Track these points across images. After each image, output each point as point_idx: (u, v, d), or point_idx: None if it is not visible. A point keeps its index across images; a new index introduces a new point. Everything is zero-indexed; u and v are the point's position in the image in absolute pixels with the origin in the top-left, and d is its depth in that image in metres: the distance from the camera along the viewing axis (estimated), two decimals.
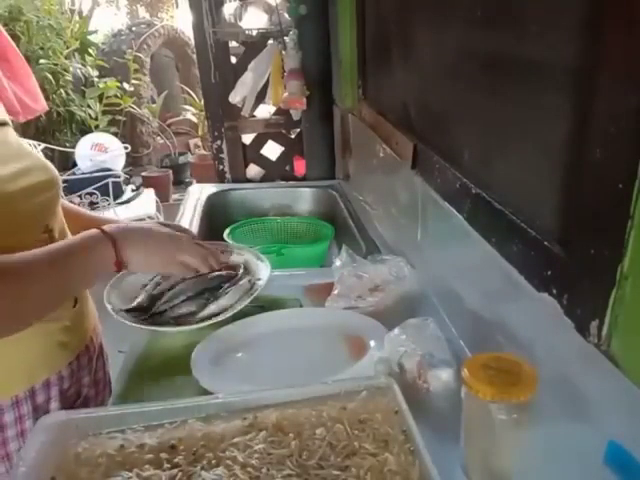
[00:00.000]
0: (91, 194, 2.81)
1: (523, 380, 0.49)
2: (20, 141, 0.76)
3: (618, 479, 0.44)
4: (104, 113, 3.70)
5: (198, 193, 1.55)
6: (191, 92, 4.65)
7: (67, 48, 3.68)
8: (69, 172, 2.94)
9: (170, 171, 4.05)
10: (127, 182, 3.13)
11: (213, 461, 0.49)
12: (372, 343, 0.75)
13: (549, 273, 0.55)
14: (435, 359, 0.66)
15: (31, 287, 0.63)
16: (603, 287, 0.45)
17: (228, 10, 1.78)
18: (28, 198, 0.70)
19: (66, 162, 3.30)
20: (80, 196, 2.78)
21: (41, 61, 3.42)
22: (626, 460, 0.43)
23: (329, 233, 1.32)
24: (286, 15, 1.59)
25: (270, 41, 1.64)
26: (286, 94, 1.52)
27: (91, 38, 4.00)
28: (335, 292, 0.88)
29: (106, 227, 0.70)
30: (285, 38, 1.52)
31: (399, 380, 0.59)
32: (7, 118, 0.77)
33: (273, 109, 1.81)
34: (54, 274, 0.65)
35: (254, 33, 1.74)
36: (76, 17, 4.08)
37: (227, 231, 1.33)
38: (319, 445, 0.51)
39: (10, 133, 0.75)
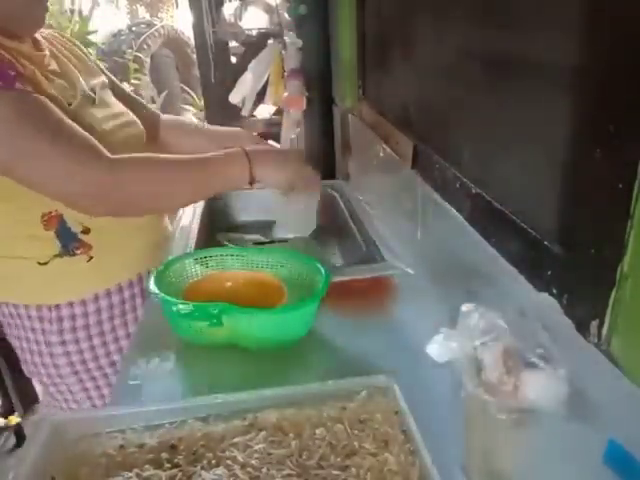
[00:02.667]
0: None
1: None
2: (116, 101, 0.98)
3: (618, 478, 0.44)
4: None
5: None
6: (191, 92, 4.65)
7: None
8: None
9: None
10: None
11: (213, 461, 0.49)
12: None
13: (549, 273, 0.55)
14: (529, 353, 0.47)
15: (181, 181, 0.82)
16: (603, 287, 0.45)
17: (228, 10, 1.78)
18: (124, 147, 0.85)
19: None
20: None
21: None
22: (626, 460, 0.43)
23: (320, 283, 0.79)
24: (286, 15, 1.59)
25: (270, 41, 1.64)
26: (286, 94, 1.52)
27: (91, 38, 4.01)
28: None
29: (247, 148, 0.85)
30: (285, 38, 1.52)
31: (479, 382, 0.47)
32: (107, 80, 1.00)
33: (273, 109, 1.81)
34: (200, 175, 0.83)
35: (254, 33, 1.74)
36: (76, 17, 4.08)
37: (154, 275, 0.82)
38: (319, 445, 0.51)
39: (110, 94, 0.98)
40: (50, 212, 0.85)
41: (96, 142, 0.76)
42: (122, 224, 0.92)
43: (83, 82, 0.91)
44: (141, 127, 1.01)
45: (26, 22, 0.82)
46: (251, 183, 0.84)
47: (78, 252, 0.89)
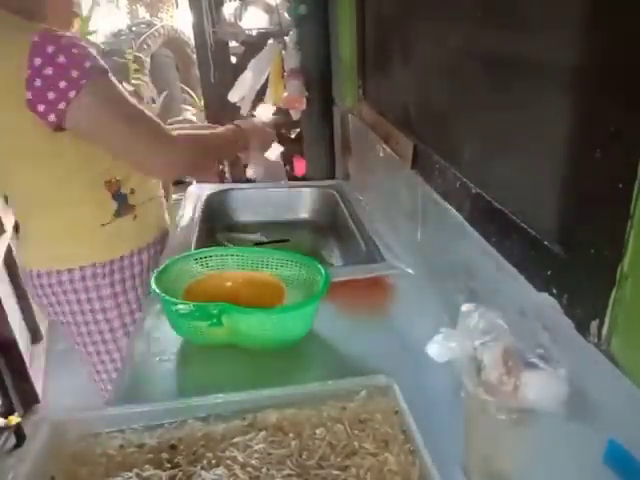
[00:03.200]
0: None
1: None
2: None
3: (618, 478, 0.44)
4: None
5: (198, 193, 1.55)
6: (191, 92, 4.65)
7: None
8: None
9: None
10: None
11: (213, 461, 0.49)
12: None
13: (549, 273, 0.55)
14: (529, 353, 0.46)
15: (208, 150, 1.11)
16: (603, 287, 0.45)
17: (228, 10, 1.78)
18: None
19: None
20: None
21: None
22: (626, 460, 0.43)
23: (320, 282, 0.79)
24: (286, 15, 1.59)
25: (270, 41, 1.64)
26: (286, 94, 1.52)
27: (91, 38, 4.00)
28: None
29: (242, 125, 1.21)
30: (285, 38, 1.52)
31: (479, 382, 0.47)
32: None
33: (273, 109, 1.81)
34: (228, 150, 1.23)
35: (254, 33, 1.74)
36: None
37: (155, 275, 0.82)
38: (319, 445, 0.51)
39: None
40: (111, 179, 1.01)
41: (159, 121, 0.99)
42: (152, 189, 1.14)
43: None
44: None
45: (64, 23, 0.97)
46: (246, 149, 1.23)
47: (127, 212, 1.06)
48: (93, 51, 0.89)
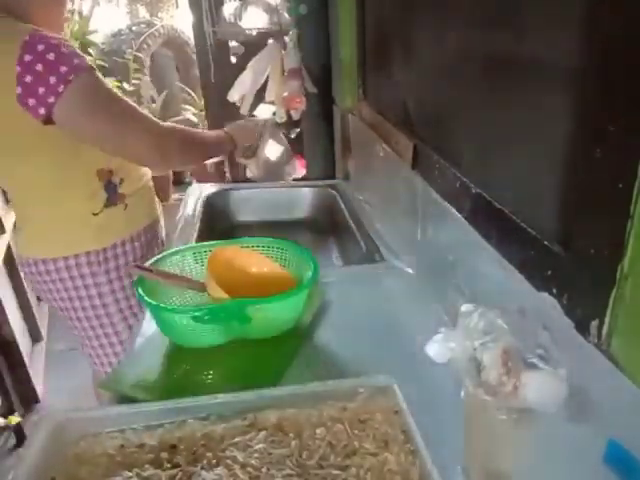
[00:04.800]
0: None
1: None
2: None
3: (618, 478, 0.44)
4: None
5: (198, 193, 1.55)
6: (191, 92, 4.65)
7: None
8: None
9: (170, 171, 4.05)
10: None
11: (213, 461, 0.49)
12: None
13: (549, 273, 0.55)
14: (529, 353, 0.46)
15: (196, 144, 1.11)
16: (603, 287, 0.45)
17: (228, 10, 1.78)
18: None
19: None
20: None
21: None
22: (626, 459, 0.43)
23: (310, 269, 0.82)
24: (286, 15, 1.59)
25: (270, 41, 1.64)
26: (286, 94, 1.51)
27: (91, 38, 4.00)
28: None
29: (227, 129, 1.23)
30: (285, 38, 1.52)
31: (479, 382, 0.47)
32: None
33: (273, 108, 1.81)
34: (214, 150, 1.21)
35: (254, 33, 1.74)
36: (76, 17, 4.08)
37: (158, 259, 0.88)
38: (319, 445, 0.51)
39: None
40: (103, 168, 1.03)
41: (147, 113, 1.00)
42: (141, 179, 1.14)
43: None
44: None
45: (55, 26, 0.99)
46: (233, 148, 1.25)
47: (118, 202, 1.07)
48: (80, 52, 0.93)
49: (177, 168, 1.41)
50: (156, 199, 1.26)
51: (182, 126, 1.09)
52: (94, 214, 1.05)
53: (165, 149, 1.00)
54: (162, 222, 1.27)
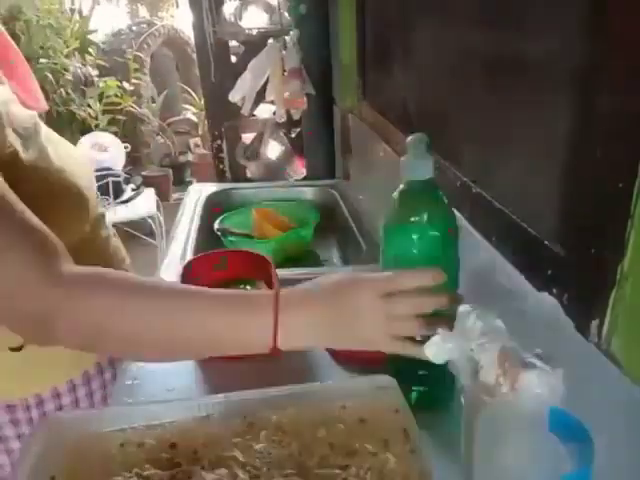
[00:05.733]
0: None
1: None
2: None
3: (562, 440, 0.45)
4: (104, 112, 3.69)
5: (198, 192, 1.54)
6: (191, 92, 4.65)
7: (67, 47, 3.67)
8: None
9: (170, 170, 4.05)
10: (127, 181, 3.13)
11: (213, 460, 0.49)
12: None
13: (549, 272, 0.55)
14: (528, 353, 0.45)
15: (163, 328, 0.52)
16: (603, 287, 0.45)
17: (228, 9, 1.78)
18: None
19: None
20: None
21: (41, 60, 3.42)
22: (567, 422, 0.44)
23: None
24: (286, 14, 1.59)
25: (270, 40, 1.64)
26: (286, 94, 1.52)
27: (91, 37, 4.00)
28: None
29: (283, 292, 0.53)
30: (285, 37, 1.52)
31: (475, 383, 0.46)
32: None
33: (273, 108, 1.81)
34: (198, 328, 0.52)
35: (254, 32, 1.74)
36: (76, 16, 4.07)
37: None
38: (319, 445, 0.51)
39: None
40: None
41: (53, 241, 0.55)
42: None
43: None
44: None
45: None
46: (273, 352, 0.53)
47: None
48: None
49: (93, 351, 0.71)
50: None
51: (138, 279, 0.54)
52: (12, 349, 0.71)
53: (57, 314, 0.51)
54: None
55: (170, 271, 1.04)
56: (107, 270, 0.55)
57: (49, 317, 0.51)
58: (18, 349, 0.70)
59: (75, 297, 0.51)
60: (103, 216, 0.83)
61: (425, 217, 0.57)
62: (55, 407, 0.77)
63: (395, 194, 0.60)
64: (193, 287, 0.55)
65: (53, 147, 0.72)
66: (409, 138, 0.58)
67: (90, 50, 3.84)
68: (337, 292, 0.52)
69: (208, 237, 1.28)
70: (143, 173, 3.82)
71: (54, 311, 0.51)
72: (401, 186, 0.59)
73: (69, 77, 3.64)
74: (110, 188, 2.83)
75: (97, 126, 3.62)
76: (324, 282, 0.54)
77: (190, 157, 4.39)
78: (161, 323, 0.52)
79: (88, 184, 0.75)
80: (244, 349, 0.55)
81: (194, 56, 3.87)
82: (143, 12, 6.11)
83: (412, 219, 0.58)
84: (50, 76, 3.46)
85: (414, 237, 0.58)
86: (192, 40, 2.05)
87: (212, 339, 0.54)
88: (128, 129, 4.08)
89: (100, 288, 0.52)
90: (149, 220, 2.92)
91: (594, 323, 0.47)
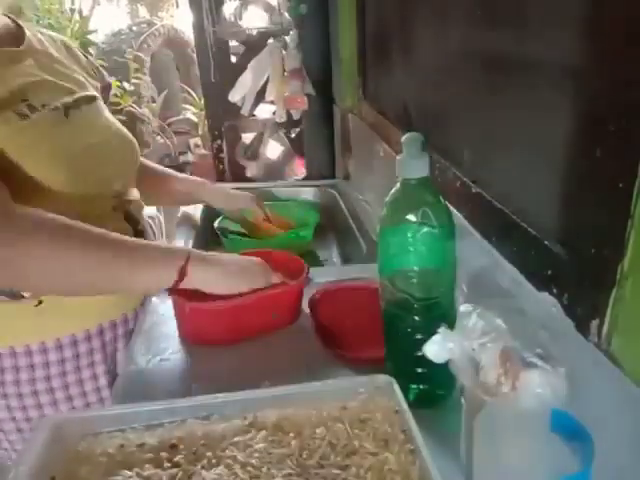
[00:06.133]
0: None
1: None
2: (106, 114, 0.89)
3: (563, 440, 0.46)
4: None
5: None
6: (191, 92, 4.65)
7: None
8: None
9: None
10: None
11: (213, 460, 0.49)
12: None
13: (549, 272, 0.55)
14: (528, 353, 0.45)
15: (93, 266, 0.66)
16: (603, 287, 0.45)
17: (228, 9, 1.78)
18: (101, 168, 0.81)
19: None
20: None
21: None
22: (564, 420, 0.45)
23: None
24: (286, 14, 1.59)
25: (270, 40, 1.64)
26: (287, 94, 1.52)
27: (91, 37, 4.00)
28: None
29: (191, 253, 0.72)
30: (285, 37, 1.52)
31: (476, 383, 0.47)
32: (95, 92, 0.89)
33: (273, 108, 1.81)
34: (124, 265, 0.68)
35: (254, 32, 1.74)
36: (76, 16, 4.08)
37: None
38: (319, 444, 0.51)
39: (98, 107, 0.88)
40: None
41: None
42: None
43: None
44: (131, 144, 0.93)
45: None
46: (180, 279, 0.70)
47: (26, 294, 0.76)
48: None
49: (28, 290, 0.76)
50: (113, 299, 0.85)
51: (65, 220, 0.65)
52: None
53: (7, 246, 0.60)
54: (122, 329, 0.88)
55: None
56: (55, 217, 0.65)
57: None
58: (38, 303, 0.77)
59: (33, 224, 0.63)
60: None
61: (421, 215, 0.57)
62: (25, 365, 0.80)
63: (391, 192, 0.60)
64: (120, 237, 0.69)
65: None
66: (404, 137, 0.58)
67: (90, 50, 3.84)
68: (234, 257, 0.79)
69: (208, 237, 1.28)
70: None
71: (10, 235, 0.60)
72: (397, 185, 0.59)
73: None
74: None
75: None
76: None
77: (190, 157, 4.39)
78: (80, 264, 0.65)
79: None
80: (161, 282, 0.71)
81: (194, 56, 3.87)
82: (143, 12, 6.12)
83: (408, 217, 0.58)
84: None
85: (410, 236, 0.58)
86: (192, 40, 2.05)
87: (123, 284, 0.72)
88: (128, 129, 4.06)
89: (56, 224, 0.64)
90: (149, 220, 2.92)
91: (594, 323, 0.47)
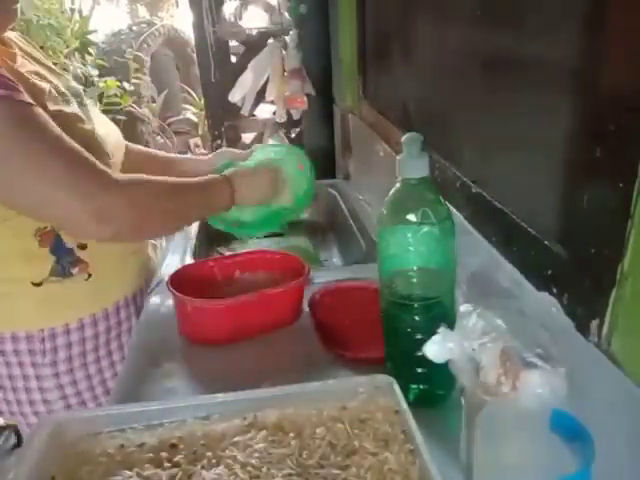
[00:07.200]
0: None
1: None
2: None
3: (563, 440, 0.45)
4: (104, 112, 3.67)
5: None
6: (191, 92, 4.65)
7: (67, 47, 3.67)
8: None
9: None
10: None
11: (213, 460, 0.49)
12: None
13: (549, 272, 0.55)
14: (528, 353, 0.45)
15: (183, 205, 0.82)
16: (603, 287, 0.45)
17: (228, 9, 1.78)
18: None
19: None
20: None
21: None
22: (564, 420, 0.45)
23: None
24: (286, 14, 1.59)
25: (270, 40, 1.64)
26: (287, 93, 1.52)
27: (91, 37, 4.00)
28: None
29: (227, 173, 0.89)
30: (285, 37, 1.52)
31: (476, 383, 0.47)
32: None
33: (273, 108, 1.81)
34: (199, 199, 0.85)
35: (254, 32, 1.74)
36: (76, 16, 4.08)
37: None
38: (319, 444, 0.51)
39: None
40: (45, 227, 0.79)
41: (95, 161, 0.72)
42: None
43: (61, 81, 0.86)
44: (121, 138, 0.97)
45: None
46: (229, 208, 0.88)
47: (74, 271, 0.82)
48: (13, 84, 0.69)
49: (146, 239, 0.98)
50: (151, 255, 1.01)
51: (156, 178, 0.78)
52: (35, 284, 0.81)
53: (118, 211, 0.71)
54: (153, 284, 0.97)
55: (170, 271, 1.04)
56: (142, 176, 0.77)
57: (112, 209, 0.70)
58: (38, 284, 0.82)
59: (132, 189, 0.74)
60: None
61: (421, 215, 0.57)
62: (79, 338, 0.87)
63: (391, 192, 0.60)
64: (182, 180, 0.82)
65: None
66: (404, 137, 0.58)
67: (90, 50, 3.84)
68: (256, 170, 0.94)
69: (208, 237, 1.28)
70: None
71: (117, 204, 0.70)
72: (397, 185, 0.59)
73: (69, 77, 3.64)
74: None
75: None
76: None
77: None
78: (186, 207, 0.83)
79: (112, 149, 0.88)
80: (218, 206, 0.87)
81: (194, 56, 3.87)
82: (143, 12, 6.12)
83: (408, 217, 0.58)
84: None
85: (410, 235, 0.58)
86: (192, 40, 2.05)
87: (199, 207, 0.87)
88: (128, 129, 4.08)
89: (146, 183, 0.77)
90: None
91: (594, 323, 0.47)
